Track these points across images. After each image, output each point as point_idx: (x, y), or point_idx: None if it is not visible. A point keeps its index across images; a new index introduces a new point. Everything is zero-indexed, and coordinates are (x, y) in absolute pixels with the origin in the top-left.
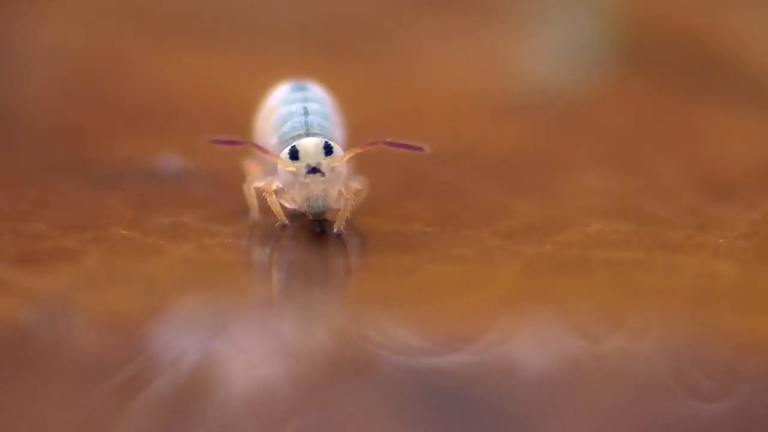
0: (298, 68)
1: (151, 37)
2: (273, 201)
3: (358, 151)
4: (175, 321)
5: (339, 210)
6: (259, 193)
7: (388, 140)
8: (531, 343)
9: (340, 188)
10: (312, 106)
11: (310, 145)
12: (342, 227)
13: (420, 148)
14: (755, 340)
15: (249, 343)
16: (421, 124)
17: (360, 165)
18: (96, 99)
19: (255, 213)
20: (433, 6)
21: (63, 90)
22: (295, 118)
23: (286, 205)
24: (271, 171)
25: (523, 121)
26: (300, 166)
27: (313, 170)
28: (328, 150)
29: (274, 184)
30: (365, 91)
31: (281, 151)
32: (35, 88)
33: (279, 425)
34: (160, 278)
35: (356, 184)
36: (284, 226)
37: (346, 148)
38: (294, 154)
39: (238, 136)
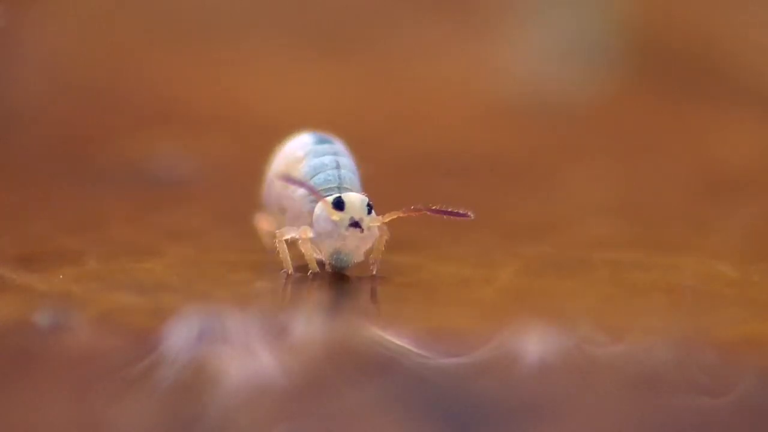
0: (298, 69)
1: (151, 37)
2: (308, 248)
3: (400, 215)
4: (175, 321)
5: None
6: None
7: (433, 207)
8: (530, 344)
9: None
10: (342, 160)
11: (356, 200)
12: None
13: (466, 215)
14: (754, 340)
15: (249, 342)
16: (421, 125)
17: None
18: (96, 99)
19: (289, 267)
20: (433, 8)
21: (63, 90)
22: (328, 170)
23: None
24: (290, 222)
25: (524, 122)
26: (344, 217)
27: (355, 224)
28: (369, 209)
29: (309, 232)
30: (366, 93)
31: (311, 201)
32: (35, 88)
33: (278, 425)
34: (161, 278)
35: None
36: (315, 274)
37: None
38: (339, 205)
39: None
